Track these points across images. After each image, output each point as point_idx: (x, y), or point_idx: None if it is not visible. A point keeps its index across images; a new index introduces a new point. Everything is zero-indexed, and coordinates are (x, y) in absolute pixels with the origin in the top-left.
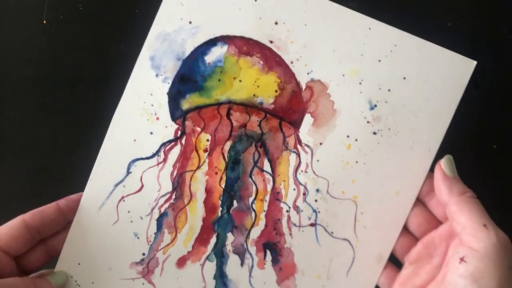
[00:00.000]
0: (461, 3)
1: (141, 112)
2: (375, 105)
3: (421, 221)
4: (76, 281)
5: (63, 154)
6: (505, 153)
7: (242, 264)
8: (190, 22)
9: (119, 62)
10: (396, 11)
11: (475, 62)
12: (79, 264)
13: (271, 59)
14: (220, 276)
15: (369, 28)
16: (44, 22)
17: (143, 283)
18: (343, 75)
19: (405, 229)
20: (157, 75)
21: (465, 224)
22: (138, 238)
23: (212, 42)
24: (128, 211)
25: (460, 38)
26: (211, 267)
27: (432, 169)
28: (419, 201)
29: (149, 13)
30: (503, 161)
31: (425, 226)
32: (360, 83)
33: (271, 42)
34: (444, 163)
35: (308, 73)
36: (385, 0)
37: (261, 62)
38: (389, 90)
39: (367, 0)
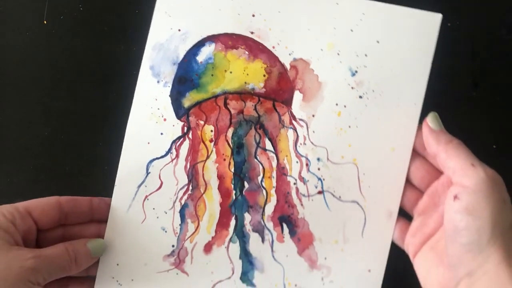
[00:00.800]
0: (461, 3)
1: (150, 117)
2: (356, 71)
3: (424, 174)
4: (117, 281)
5: (63, 154)
6: (505, 153)
7: (263, 241)
8: (179, 30)
9: (119, 62)
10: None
11: (441, 15)
12: (117, 264)
13: (255, 48)
14: (245, 255)
15: (337, 4)
16: (45, 22)
17: (177, 273)
18: (322, 49)
19: (410, 184)
20: (158, 82)
21: (455, 167)
22: (165, 231)
23: (200, 43)
24: (153, 208)
25: (460, 38)
26: (235, 248)
27: (421, 123)
28: (419, 156)
29: (149, 13)
30: (503, 161)
31: (428, 178)
32: (338, 54)
33: (252, 33)
34: (430, 119)
35: (290, 54)
36: (384, 1)
37: (246, 52)
38: (366, 55)
39: None
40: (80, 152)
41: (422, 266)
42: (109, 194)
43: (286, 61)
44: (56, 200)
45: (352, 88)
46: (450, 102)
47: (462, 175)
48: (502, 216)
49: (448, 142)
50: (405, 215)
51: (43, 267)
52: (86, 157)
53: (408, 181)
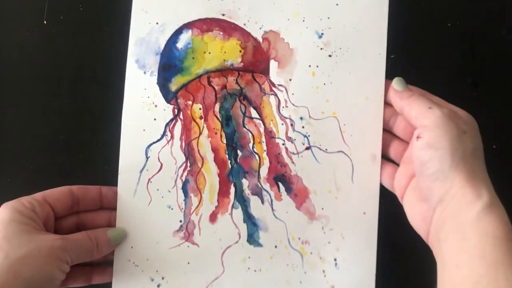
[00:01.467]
0: (461, 3)
1: (142, 106)
2: (322, 34)
3: (405, 125)
4: (133, 262)
5: (63, 154)
6: (505, 153)
7: (262, 202)
8: (157, 23)
9: (119, 62)
10: (395, 11)
11: None
12: (132, 247)
13: (228, 28)
14: (248, 218)
15: None
16: (45, 22)
17: (188, 246)
18: (288, 19)
19: (396, 136)
20: (144, 73)
21: (416, 114)
22: (172, 209)
23: (178, 32)
24: (157, 189)
25: (460, 38)
26: (238, 214)
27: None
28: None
29: None
30: (503, 161)
31: (410, 129)
32: (303, 21)
33: (223, 15)
34: (394, 82)
35: (260, 28)
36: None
37: (221, 33)
38: (328, 18)
39: None
40: (80, 152)
41: (407, 206)
42: None
43: (258, 35)
44: (68, 189)
45: (321, 49)
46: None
47: (422, 118)
48: (461, 145)
49: (409, 96)
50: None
51: (70, 248)
52: (86, 157)
53: (393, 134)
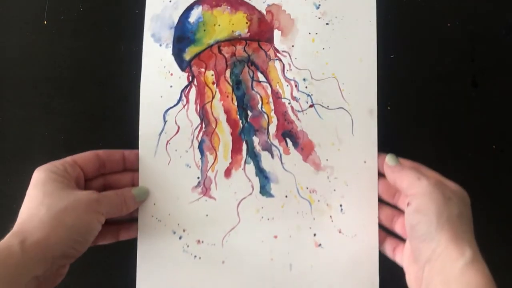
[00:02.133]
0: (460, 3)
1: (159, 75)
2: (319, 5)
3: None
4: (156, 218)
5: (63, 154)
6: (504, 153)
7: (272, 157)
8: (170, 1)
9: (119, 62)
10: (396, 11)
11: None
12: (154, 204)
13: (234, 3)
14: (260, 172)
15: None
16: (45, 22)
17: (206, 200)
18: None
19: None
20: (160, 45)
21: (407, 185)
22: (189, 167)
23: (190, 8)
24: (176, 150)
25: (460, 38)
26: (251, 168)
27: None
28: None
29: None
30: (502, 161)
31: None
32: None
33: None
34: (387, 159)
35: (263, 2)
36: (384, 0)
37: (229, 7)
38: None
39: None
40: (80, 152)
41: (406, 271)
42: None
43: (262, 8)
44: (95, 153)
45: (319, 18)
46: (450, 102)
47: (411, 187)
48: (447, 209)
49: (400, 170)
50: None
51: (105, 202)
52: None
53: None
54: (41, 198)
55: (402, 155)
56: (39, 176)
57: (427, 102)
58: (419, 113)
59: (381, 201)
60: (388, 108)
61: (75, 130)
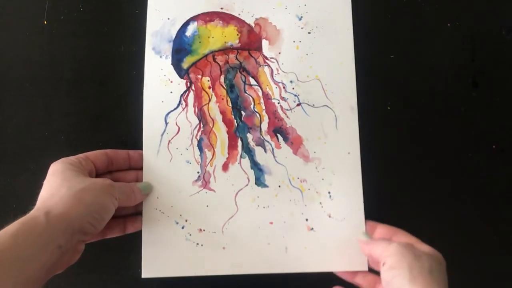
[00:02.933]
0: (461, 3)
1: (160, 83)
2: (302, 17)
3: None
4: (160, 210)
5: (63, 154)
6: (504, 153)
7: (265, 151)
8: (168, 18)
9: (119, 62)
10: (396, 11)
11: None
12: (157, 198)
13: (226, 18)
14: (255, 165)
15: None
16: (45, 22)
17: (206, 192)
18: (273, 8)
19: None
20: (160, 57)
21: (380, 251)
22: (190, 163)
23: (186, 24)
24: (177, 148)
25: (460, 38)
26: (246, 162)
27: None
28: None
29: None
30: (502, 161)
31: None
32: (286, 8)
33: (221, 8)
34: (361, 236)
35: (252, 16)
36: (384, 0)
37: (221, 21)
38: (305, 5)
39: None
40: (80, 152)
41: None
42: None
43: (251, 21)
44: (103, 151)
45: (302, 28)
46: (450, 102)
47: (384, 251)
48: (417, 264)
49: (372, 242)
50: None
51: (117, 187)
52: None
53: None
54: (60, 181)
55: (402, 155)
56: (57, 167)
57: (427, 102)
58: (419, 113)
59: (370, 270)
60: (388, 108)
61: (75, 130)
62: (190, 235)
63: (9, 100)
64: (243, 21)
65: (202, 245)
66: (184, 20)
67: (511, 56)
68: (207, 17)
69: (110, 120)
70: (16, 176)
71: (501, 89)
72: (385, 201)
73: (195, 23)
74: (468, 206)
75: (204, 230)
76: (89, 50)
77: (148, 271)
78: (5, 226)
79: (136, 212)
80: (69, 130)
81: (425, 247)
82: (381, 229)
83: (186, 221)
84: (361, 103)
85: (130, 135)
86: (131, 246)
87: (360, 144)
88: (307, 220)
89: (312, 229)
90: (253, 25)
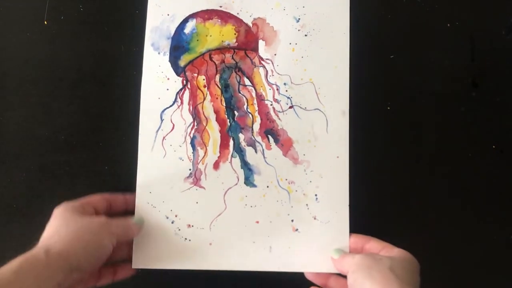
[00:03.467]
0: (460, 3)
1: (157, 79)
2: (299, 19)
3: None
4: (152, 204)
5: (63, 154)
6: (504, 153)
7: (256, 151)
8: (168, 14)
9: (119, 62)
10: (396, 11)
11: None
12: (150, 192)
13: (224, 16)
14: (245, 165)
15: None
16: (45, 22)
17: (196, 189)
18: (272, 8)
19: None
20: (158, 53)
21: (347, 265)
22: (182, 160)
23: (185, 21)
24: (170, 145)
25: (460, 38)
26: (237, 162)
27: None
28: None
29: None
30: (503, 161)
31: None
32: (284, 9)
33: (220, 6)
34: (332, 253)
35: (250, 16)
36: (384, 1)
37: (219, 20)
38: (303, 7)
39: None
40: (80, 152)
41: None
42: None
43: (249, 21)
44: (102, 195)
45: (298, 30)
46: (450, 102)
47: (349, 263)
48: (377, 265)
49: (342, 258)
50: None
51: (114, 224)
52: (86, 157)
53: None
54: (60, 222)
55: (402, 155)
56: (59, 210)
57: (427, 102)
58: (419, 113)
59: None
60: (388, 108)
61: (75, 130)
62: (179, 230)
63: (9, 100)
64: (241, 21)
65: (190, 240)
66: (184, 17)
67: (511, 56)
68: (206, 14)
69: (110, 120)
70: (16, 176)
71: (501, 89)
72: (385, 200)
73: (194, 20)
74: (467, 206)
75: (192, 226)
76: (89, 50)
77: (138, 262)
78: (5, 226)
79: (126, 259)
80: (69, 130)
81: (395, 251)
82: (354, 239)
83: (176, 216)
84: (361, 103)
85: (130, 135)
86: None
87: (357, 145)
88: (292, 221)
89: (297, 230)
90: (250, 25)
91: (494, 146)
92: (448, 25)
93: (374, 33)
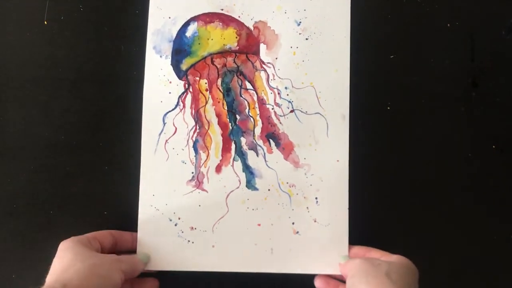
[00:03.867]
0: (460, 3)
1: (159, 83)
2: (300, 22)
3: None
4: (155, 207)
5: (63, 154)
6: (504, 153)
7: (257, 155)
8: (170, 17)
9: (119, 62)
10: (396, 11)
11: None
12: (153, 195)
13: (226, 20)
14: (246, 168)
15: None
16: (45, 22)
17: (199, 192)
18: (273, 12)
19: None
20: (160, 56)
21: (349, 269)
22: (185, 163)
23: (186, 24)
24: (173, 148)
25: (459, 38)
26: (238, 165)
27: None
28: None
29: (148, 13)
30: (502, 161)
31: None
32: (285, 13)
33: (222, 9)
34: (340, 259)
35: (251, 19)
36: (384, 1)
37: (221, 23)
38: (304, 10)
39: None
40: (80, 152)
41: None
42: (110, 194)
43: (250, 25)
44: (108, 231)
45: (300, 34)
46: (450, 102)
47: (350, 266)
48: (375, 270)
49: (346, 263)
50: None
51: (124, 262)
52: (86, 157)
53: None
54: (73, 256)
55: (402, 155)
56: (68, 244)
57: (427, 102)
58: (419, 113)
59: None
60: (388, 108)
61: (75, 130)
62: (182, 232)
63: (9, 100)
64: (242, 24)
65: (193, 242)
66: (185, 20)
67: (511, 56)
68: (207, 17)
69: (110, 120)
70: (16, 176)
71: (501, 89)
72: (384, 202)
73: (196, 23)
74: (467, 206)
75: (195, 228)
76: (89, 50)
77: None
78: (5, 226)
79: None
80: (69, 130)
81: (392, 257)
82: (355, 250)
83: (179, 218)
84: (361, 103)
85: (130, 135)
86: None
87: (356, 146)
88: (293, 223)
89: (297, 232)
90: (252, 28)
91: (494, 146)
92: (448, 25)
93: (374, 33)
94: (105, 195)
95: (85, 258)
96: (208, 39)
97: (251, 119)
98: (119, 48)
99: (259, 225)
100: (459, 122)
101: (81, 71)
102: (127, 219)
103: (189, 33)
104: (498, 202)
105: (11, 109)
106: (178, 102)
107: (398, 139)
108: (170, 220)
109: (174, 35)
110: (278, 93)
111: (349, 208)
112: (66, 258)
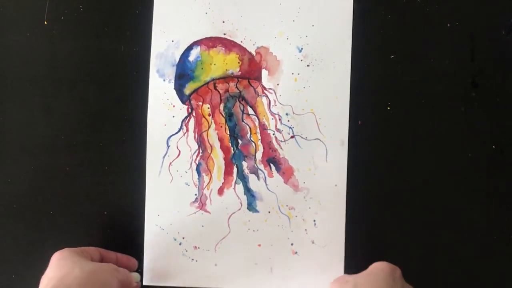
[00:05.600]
0: (460, 3)
1: (162, 106)
2: (302, 48)
3: None
4: (160, 227)
5: (63, 154)
6: (504, 153)
7: (258, 179)
8: (173, 41)
9: (119, 62)
10: (396, 11)
11: (351, 2)
12: (158, 215)
13: (228, 45)
14: (248, 191)
15: (280, 4)
16: (45, 23)
17: (202, 213)
18: (275, 37)
19: None
20: (164, 80)
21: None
22: (188, 185)
23: (189, 48)
24: (177, 170)
25: (459, 38)
26: (240, 188)
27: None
28: None
29: (149, 14)
30: (502, 161)
31: None
32: (287, 39)
33: (224, 34)
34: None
35: (254, 44)
36: (384, 1)
37: (223, 48)
38: (306, 36)
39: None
40: (80, 152)
41: None
42: (110, 195)
43: (252, 50)
44: (97, 248)
45: (301, 60)
46: (450, 102)
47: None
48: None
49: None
50: None
51: (122, 272)
52: (86, 157)
53: None
54: (71, 264)
55: (402, 155)
56: (64, 253)
57: (427, 102)
58: (419, 113)
59: None
60: (388, 108)
61: (75, 130)
62: (186, 251)
63: (9, 100)
64: (245, 49)
65: (196, 260)
66: (188, 44)
67: (511, 56)
68: (210, 42)
69: (110, 120)
70: (16, 176)
71: (501, 89)
72: (384, 204)
73: (198, 47)
74: (468, 207)
75: (199, 248)
76: (89, 50)
77: (148, 279)
78: (5, 226)
79: None
80: (69, 130)
81: (376, 264)
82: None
83: (183, 238)
84: (361, 103)
85: (130, 135)
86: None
87: (356, 147)
88: (292, 244)
89: (296, 253)
90: (254, 53)
91: (494, 146)
92: (448, 25)
93: (374, 33)
94: (105, 195)
95: (83, 265)
96: (211, 64)
97: (253, 144)
98: (119, 48)
99: (259, 245)
100: (459, 122)
101: (81, 71)
102: (127, 219)
103: (192, 57)
104: (498, 202)
105: (11, 109)
106: (181, 126)
107: (397, 139)
108: (175, 240)
109: (177, 59)
110: (279, 119)
111: (346, 231)
112: (65, 265)
